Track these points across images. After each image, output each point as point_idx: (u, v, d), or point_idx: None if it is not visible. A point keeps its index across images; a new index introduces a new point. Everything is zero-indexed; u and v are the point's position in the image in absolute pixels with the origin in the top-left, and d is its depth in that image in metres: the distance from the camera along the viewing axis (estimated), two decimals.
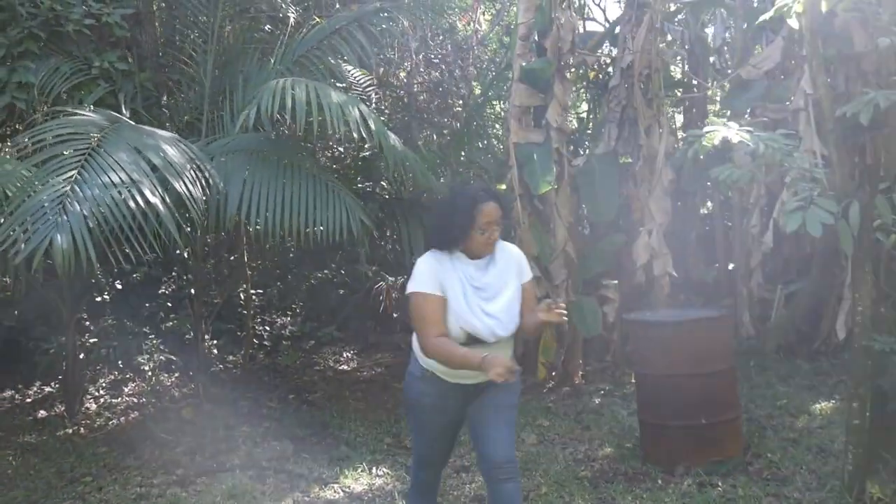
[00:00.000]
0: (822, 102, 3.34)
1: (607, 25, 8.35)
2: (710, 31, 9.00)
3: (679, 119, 9.16)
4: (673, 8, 8.34)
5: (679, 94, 8.17)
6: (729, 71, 7.49)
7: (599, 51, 8.33)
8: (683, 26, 8.46)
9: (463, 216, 2.78)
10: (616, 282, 6.28)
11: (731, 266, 7.05)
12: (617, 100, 6.91)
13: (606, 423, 4.95)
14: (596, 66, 8.10)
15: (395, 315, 7.43)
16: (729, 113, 6.74)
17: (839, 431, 4.06)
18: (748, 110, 6.55)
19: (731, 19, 7.91)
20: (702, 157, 3.21)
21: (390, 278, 7.30)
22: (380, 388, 6.50)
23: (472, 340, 2.77)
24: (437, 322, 2.77)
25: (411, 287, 2.83)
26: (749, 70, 6.35)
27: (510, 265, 2.91)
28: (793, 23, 3.31)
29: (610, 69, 7.59)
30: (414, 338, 2.94)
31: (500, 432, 2.89)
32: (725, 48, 8.51)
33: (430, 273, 2.81)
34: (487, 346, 2.76)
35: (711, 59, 8.71)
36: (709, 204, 8.03)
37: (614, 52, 7.73)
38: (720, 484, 3.82)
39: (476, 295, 2.79)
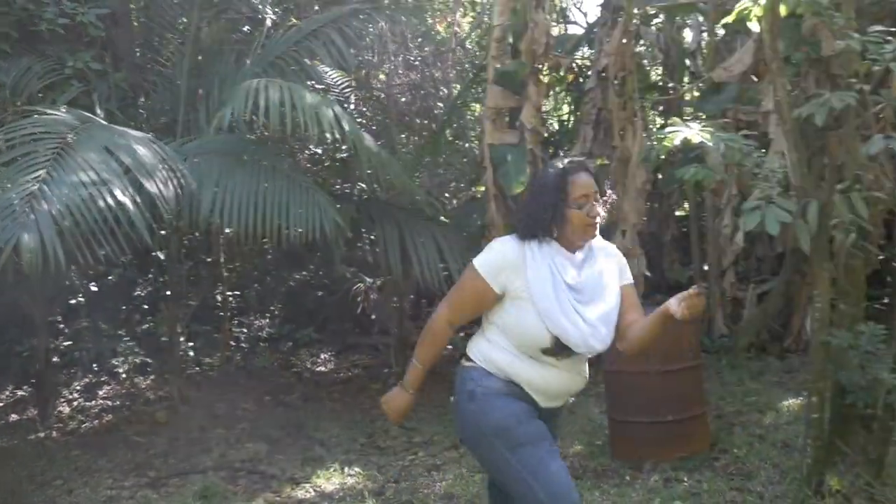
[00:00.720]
0: (781, 104, 3.40)
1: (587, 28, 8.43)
2: (686, 34, 9.12)
3: (660, 121, 9.25)
4: (651, 11, 8.45)
5: (655, 96, 8.26)
6: (704, 74, 7.57)
7: (578, 53, 8.41)
8: (659, 29, 8.56)
9: (553, 193, 2.32)
10: None
11: (705, 266, 7.13)
12: (592, 102, 6.98)
13: (578, 422, 4.99)
14: (575, 69, 8.18)
15: (373, 316, 7.45)
16: (703, 115, 6.83)
17: (804, 426, 4.12)
18: (721, 112, 6.62)
19: (705, 23, 8.00)
20: (663, 156, 3.25)
21: (368, 279, 7.31)
22: (356, 388, 6.51)
23: (560, 348, 2.28)
24: (462, 309, 2.39)
25: (478, 257, 2.38)
26: (721, 73, 6.42)
27: (610, 264, 2.43)
28: (753, 26, 3.37)
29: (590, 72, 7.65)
30: (480, 340, 2.40)
31: None
32: (704, 51, 8.61)
33: (498, 258, 2.34)
34: (566, 359, 2.32)
35: (687, 61, 8.83)
36: (685, 205, 8.11)
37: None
38: (686, 479, 3.87)
39: (570, 294, 2.29)
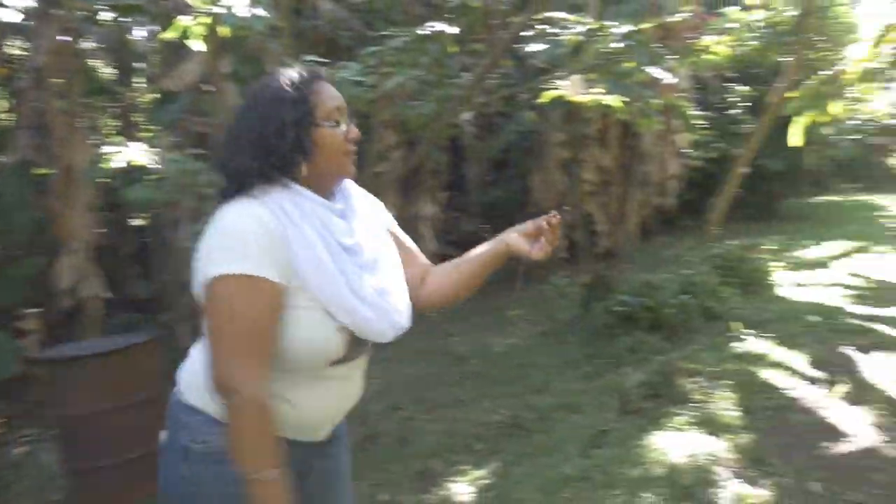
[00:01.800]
0: (227, 122, 3.42)
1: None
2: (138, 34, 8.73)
3: (116, 126, 8.68)
4: (97, 6, 7.84)
5: (105, 101, 7.72)
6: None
7: (14, 44, 7.37)
8: (109, 28, 8.01)
9: (293, 107, 1.51)
10: (39, 310, 5.61)
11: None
12: (30, 104, 6.20)
13: (29, 476, 4.33)
14: (8, 63, 7.15)
15: None
16: (157, 125, 6.62)
17: None
18: (175, 122, 6.48)
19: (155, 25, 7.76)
20: (108, 179, 2.99)
21: None
22: None
23: (356, 345, 1.56)
24: (265, 346, 1.45)
25: (220, 265, 1.42)
26: (172, 82, 6.28)
27: (370, 207, 1.74)
28: (194, 44, 3.30)
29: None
30: (204, 369, 1.53)
31: None
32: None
33: (259, 236, 1.44)
34: (357, 359, 1.62)
35: (140, 65, 8.46)
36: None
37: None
38: None
39: (351, 261, 1.54)
